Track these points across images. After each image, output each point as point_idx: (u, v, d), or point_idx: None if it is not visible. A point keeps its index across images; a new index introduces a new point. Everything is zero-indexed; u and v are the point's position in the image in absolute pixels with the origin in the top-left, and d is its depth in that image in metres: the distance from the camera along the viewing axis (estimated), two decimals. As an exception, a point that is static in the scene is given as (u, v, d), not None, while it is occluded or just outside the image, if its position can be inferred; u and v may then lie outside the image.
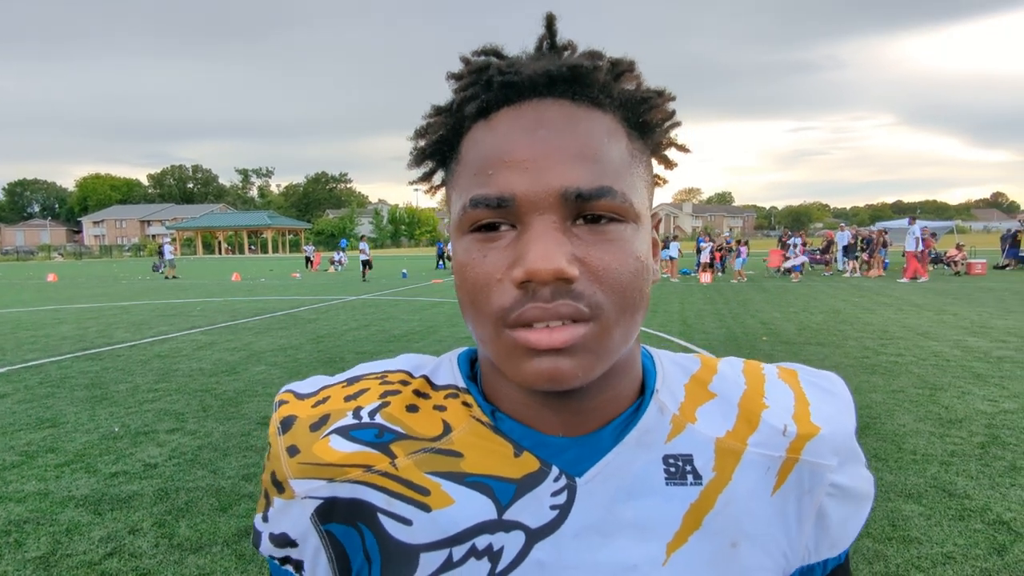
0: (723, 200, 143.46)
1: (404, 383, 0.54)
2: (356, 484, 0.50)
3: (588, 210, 0.43)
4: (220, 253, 67.97)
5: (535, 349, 0.43)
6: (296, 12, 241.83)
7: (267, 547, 0.53)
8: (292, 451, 0.51)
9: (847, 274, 19.83)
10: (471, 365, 0.56)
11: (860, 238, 20.57)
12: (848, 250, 20.48)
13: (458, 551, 0.48)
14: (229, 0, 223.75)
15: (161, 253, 27.11)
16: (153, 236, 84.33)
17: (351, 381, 0.55)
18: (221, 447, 4.35)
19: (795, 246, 19.75)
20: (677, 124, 0.51)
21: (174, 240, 28.76)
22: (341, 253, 31.28)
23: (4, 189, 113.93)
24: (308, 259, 32.28)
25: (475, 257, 0.45)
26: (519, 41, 0.49)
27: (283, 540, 0.52)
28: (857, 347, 7.61)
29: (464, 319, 0.47)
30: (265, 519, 0.53)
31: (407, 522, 0.49)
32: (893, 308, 11.27)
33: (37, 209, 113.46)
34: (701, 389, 0.54)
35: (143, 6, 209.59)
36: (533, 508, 0.48)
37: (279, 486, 0.51)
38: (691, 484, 0.50)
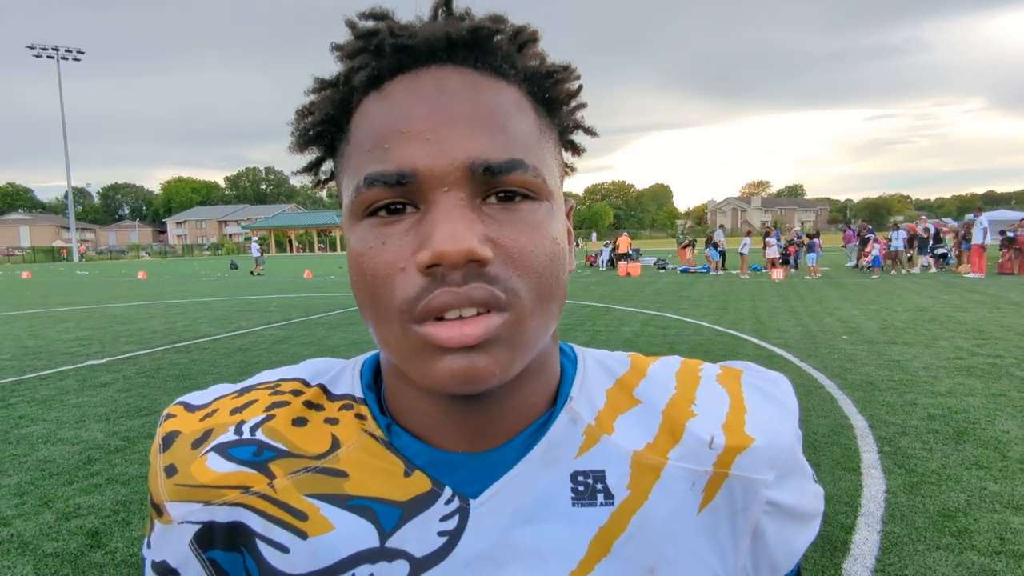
0: (794, 193, 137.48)
1: (296, 393, 0.49)
2: (233, 507, 0.45)
3: (499, 185, 0.39)
4: (292, 251, 70.95)
5: (445, 348, 0.38)
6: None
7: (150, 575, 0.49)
8: (170, 471, 0.47)
9: (932, 269, 18.57)
10: (375, 372, 0.51)
11: (936, 231, 19.06)
12: (923, 245, 19.06)
13: None
14: (299, 6, 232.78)
15: (251, 251, 28.76)
16: (230, 236, 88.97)
17: (242, 391, 0.50)
18: (302, 437, 4.53)
19: (896, 239, 18.44)
20: (583, 105, 0.46)
21: (261, 240, 30.26)
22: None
23: (98, 193, 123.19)
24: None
25: (372, 245, 0.39)
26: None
27: (163, 568, 0.48)
28: (949, 347, 7.12)
29: (363, 319, 0.42)
30: (148, 545, 0.49)
31: (284, 549, 0.45)
32: (988, 306, 10.47)
33: (127, 211, 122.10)
34: (625, 395, 0.48)
35: (219, 21, 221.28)
36: (419, 535, 0.44)
37: (158, 509, 0.47)
38: (601, 504, 0.44)
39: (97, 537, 3.14)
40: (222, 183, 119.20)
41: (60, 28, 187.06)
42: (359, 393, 0.49)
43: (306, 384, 0.50)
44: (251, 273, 26.05)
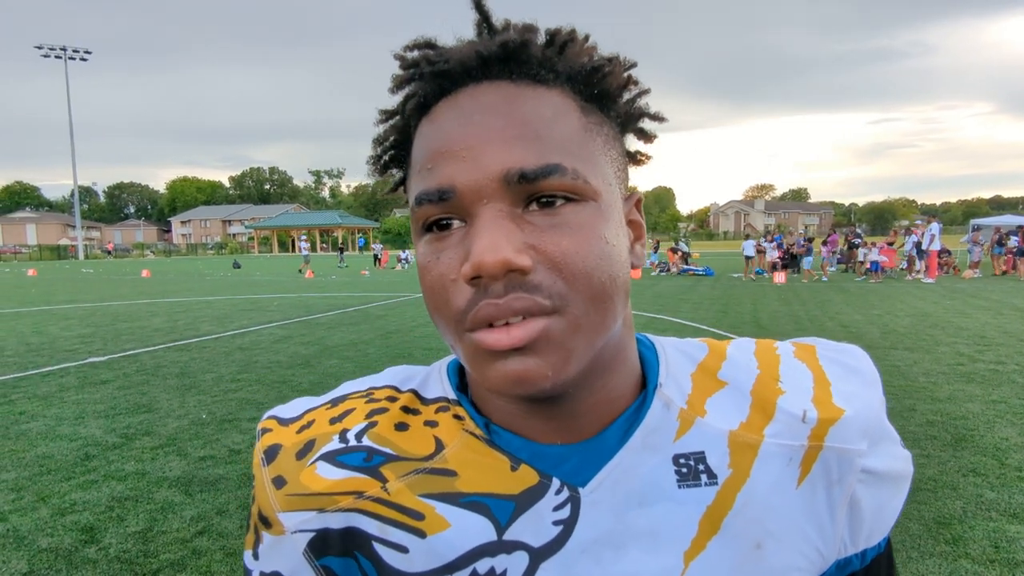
0: (798, 197, 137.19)
1: (391, 399, 0.51)
2: (348, 512, 0.47)
3: (537, 191, 0.40)
4: (295, 251, 71.14)
5: (496, 351, 0.39)
6: (364, 18, 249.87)
7: None
8: (278, 482, 0.48)
9: (920, 275, 18.40)
10: (461, 374, 0.52)
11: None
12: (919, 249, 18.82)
13: None
14: (303, 10, 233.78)
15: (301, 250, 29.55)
16: (234, 235, 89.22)
17: (335, 402, 0.52)
18: (298, 436, 4.54)
19: (908, 243, 18.21)
20: (644, 92, 0.47)
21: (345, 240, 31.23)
22: (407, 251, 32.07)
23: (104, 192, 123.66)
24: (376, 257, 33.30)
25: (430, 259, 0.42)
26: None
27: None
28: (950, 353, 7.09)
29: (435, 325, 0.44)
30: (255, 556, 0.49)
31: (403, 549, 0.46)
32: (991, 312, 10.43)
33: (132, 210, 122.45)
34: (710, 378, 0.50)
35: (225, 19, 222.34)
36: (535, 525, 0.45)
37: (266, 521, 0.48)
38: (706, 484, 0.46)
39: (91, 532, 3.15)
40: (226, 183, 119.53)
41: (68, 28, 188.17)
42: (452, 395, 0.50)
43: (397, 390, 0.52)
44: (299, 271, 26.43)
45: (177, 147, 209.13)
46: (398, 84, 0.45)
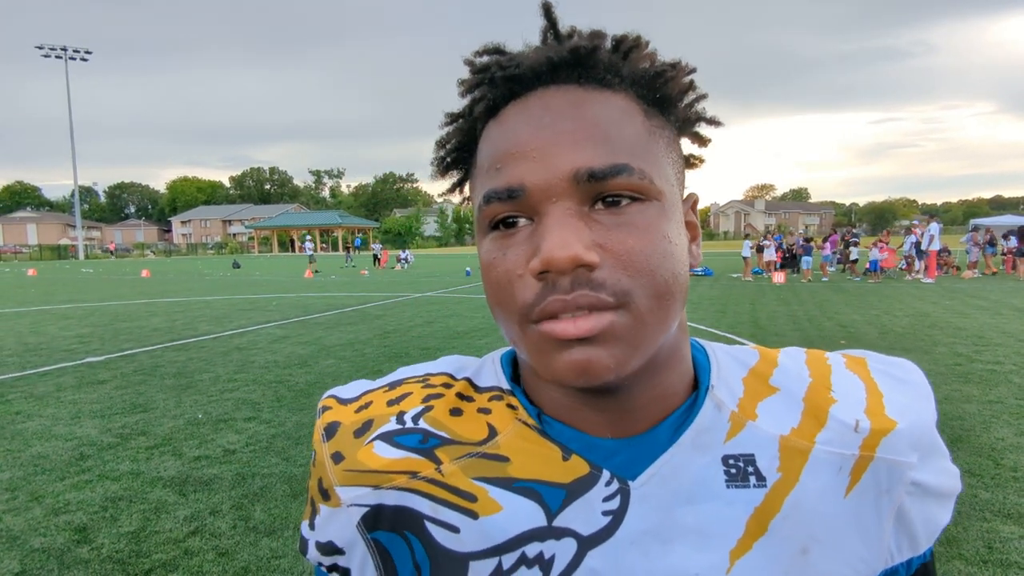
0: (798, 196, 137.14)
1: (447, 386, 0.53)
2: (402, 491, 0.48)
3: (605, 191, 0.41)
4: (294, 251, 71.16)
5: (563, 340, 0.40)
6: (365, 18, 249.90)
7: (314, 555, 0.52)
8: (337, 458, 0.50)
9: (920, 275, 18.39)
10: (514, 366, 0.54)
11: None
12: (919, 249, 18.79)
13: (507, 559, 0.46)
14: (303, 11, 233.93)
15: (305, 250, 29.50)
16: (234, 235, 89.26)
17: (393, 385, 0.54)
18: (294, 436, 4.54)
19: (908, 243, 18.17)
20: (702, 97, 0.48)
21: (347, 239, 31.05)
22: (406, 251, 32.09)
23: (105, 192, 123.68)
24: (376, 257, 33.30)
25: (496, 256, 0.43)
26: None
27: (330, 548, 0.51)
28: (948, 353, 7.09)
29: (495, 320, 0.46)
30: (312, 526, 0.52)
31: (454, 529, 0.47)
32: (990, 312, 10.42)
33: (133, 210, 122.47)
34: (761, 383, 0.50)
35: (226, 19, 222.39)
36: (584, 514, 0.46)
37: (325, 494, 0.50)
38: (754, 486, 0.46)
39: (84, 532, 3.15)
40: (227, 183, 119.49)
41: (68, 27, 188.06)
42: (506, 385, 0.52)
43: (453, 378, 0.53)
44: (312, 265, 26.30)
45: (177, 147, 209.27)
46: (467, 88, 0.47)
